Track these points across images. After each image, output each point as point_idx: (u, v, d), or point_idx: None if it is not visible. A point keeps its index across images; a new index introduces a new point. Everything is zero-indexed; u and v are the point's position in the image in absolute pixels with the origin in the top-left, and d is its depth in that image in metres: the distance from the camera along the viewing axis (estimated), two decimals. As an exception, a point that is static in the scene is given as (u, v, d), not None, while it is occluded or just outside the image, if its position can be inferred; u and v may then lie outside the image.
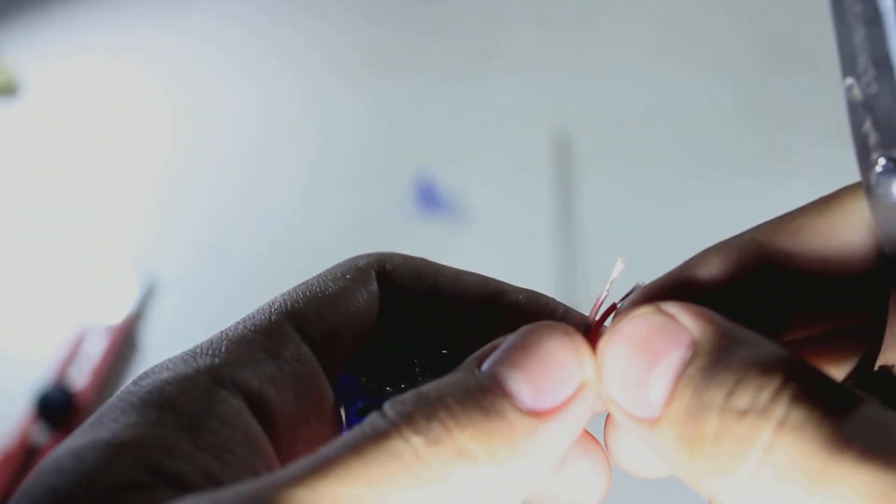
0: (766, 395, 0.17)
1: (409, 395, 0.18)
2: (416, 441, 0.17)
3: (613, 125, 1.03)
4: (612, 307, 0.21)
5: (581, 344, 0.20)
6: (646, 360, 0.19)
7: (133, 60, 1.18)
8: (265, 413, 0.19)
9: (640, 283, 0.22)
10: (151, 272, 0.91)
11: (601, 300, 0.21)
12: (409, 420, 0.18)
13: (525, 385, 0.19)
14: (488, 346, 0.20)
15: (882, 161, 0.18)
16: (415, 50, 1.14)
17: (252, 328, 0.20)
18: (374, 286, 0.23)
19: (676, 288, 0.22)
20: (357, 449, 0.17)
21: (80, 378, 0.82)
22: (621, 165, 0.98)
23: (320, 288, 0.22)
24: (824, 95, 1.04)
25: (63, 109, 1.12)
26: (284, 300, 0.21)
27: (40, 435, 0.77)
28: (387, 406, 0.18)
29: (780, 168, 0.95)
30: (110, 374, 0.84)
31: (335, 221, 0.96)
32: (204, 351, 0.20)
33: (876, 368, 0.20)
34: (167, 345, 0.87)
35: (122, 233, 0.98)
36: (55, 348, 0.85)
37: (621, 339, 0.19)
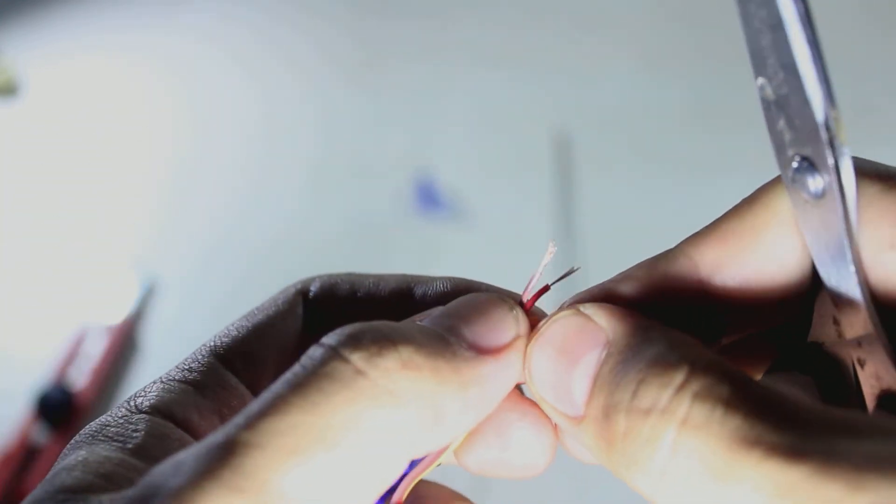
0: (667, 393, 0.17)
1: (348, 325, 0.19)
2: (356, 357, 0.18)
3: (613, 125, 1.03)
4: (545, 288, 0.22)
5: (514, 303, 0.21)
6: (567, 362, 0.19)
7: (133, 60, 1.18)
8: (194, 434, 0.21)
9: (576, 267, 0.23)
10: (151, 272, 0.91)
11: (534, 281, 0.22)
12: (347, 340, 0.18)
13: (465, 328, 0.20)
14: (425, 312, 0.21)
15: (797, 158, 0.19)
16: (414, 50, 1.15)
17: (180, 368, 0.22)
18: (298, 309, 0.25)
19: (602, 299, 0.22)
20: (293, 381, 0.17)
21: (80, 378, 0.82)
22: (621, 165, 0.98)
23: (244, 322, 0.24)
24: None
25: (63, 109, 1.12)
26: (210, 340, 0.24)
27: (40, 435, 0.77)
28: (325, 337, 0.18)
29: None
30: (110, 374, 0.84)
31: (335, 221, 0.96)
32: (136, 395, 0.22)
33: (807, 341, 0.21)
34: (167, 345, 0.87)
35: (122, 233, 0.98)
36: (55, 348, 0.85)
37: (544, 343, 0.20)
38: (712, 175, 0.96)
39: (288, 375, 0.18)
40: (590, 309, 0.20)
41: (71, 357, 0.84)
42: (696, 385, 0.17)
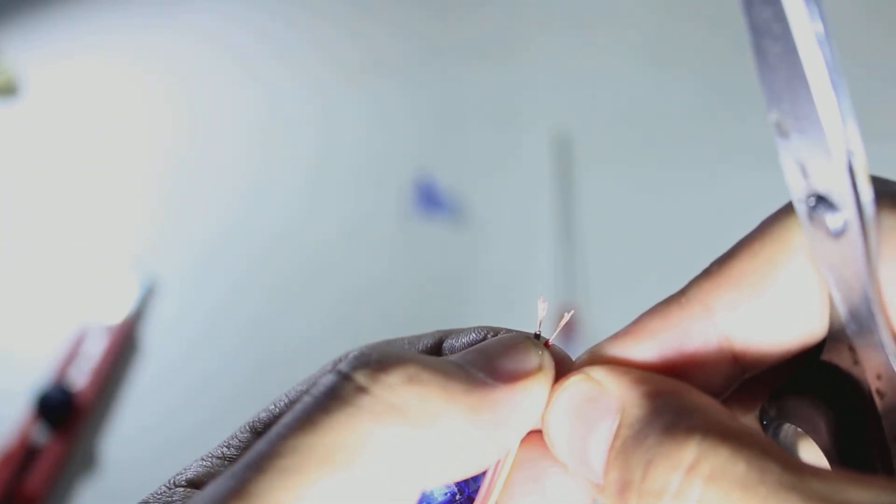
0: (677, 476, 0.16)
1: (358, 349, 0.19)
2: (359, 375, 0.17)
3: (613, 125, 1.03)
4: (546, 343, 0.22)
5: (537, 341, 0.20)
6: (582, 430, 0.19)
7: (133, 60, 1.18)
8: None
9: (570, 312, 0.22)
10: (151, 272, 0.91)
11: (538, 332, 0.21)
12: (353, 361, 0.18)
13: (484, 359, 0.19)
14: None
15: (815, 194, 0.18)
16: (415, 50, 1.15)
17: (220, 445, 0.23)
18: None
19: (614, 357, 0.21)
20: (298, 408, 0.17)
21: (80, 378, 0.82)
22: (621, 165, 0.98)
23: (283, 398, 0.24)
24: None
25: (63, 109, 1.12)
26: (251, 417, 0.24)
27: (40, 435, 0.77)
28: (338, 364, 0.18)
29: (780, 167, 0.94)
30: (110, 374, 0.84)
31: (335, 221, 0.96)
32: (177, 474, 0.22)
33: (821, 359, 0.20)
34: (167, 345, 0.87)
35: (122, 233, 0.98)
36: (55, 348, 0.85)
37: (558, 409, 0.20)
38: (713, 175, 0.96)
39: (296, 405, 0.18)
40: (600, 374, 0.19)
41: (71, 357, 0.84)
42: (707, 466, 0.16)
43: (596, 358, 0.21)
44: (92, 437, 0.80)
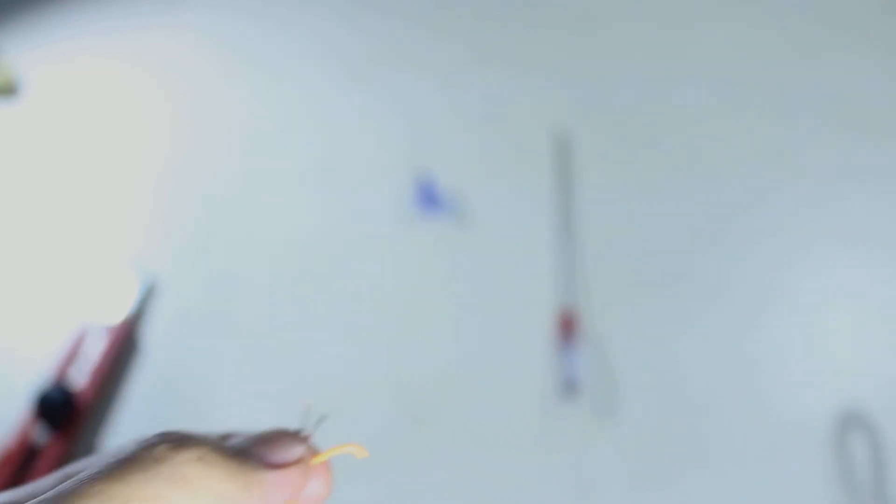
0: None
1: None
2: (159, 448, 0.22)
3: (613, 125, 1.03)
4: (307, 436, 0.28)
5: (301, 437, 0.27)
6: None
7: (133, 60, 1.18)
8: None
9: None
10: (151, 272, 0.91)
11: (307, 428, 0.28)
12: (155, 437, 0.23)
13: (260, 446, 0.26)
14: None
15: None
16: (415, 49, 1.15)
17: (30, 483, 0.26)
18: None
19: None
20: (104, 460, 0.21)
21: (80, 378, 0.82)
22: (621, 165, 0.98)
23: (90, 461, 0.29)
24: (823, 94, 1.04)
25: (63, 109, 1.12)
26: (63, 468, 0.28)
27: (40, 435, 0.77)
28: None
29: (779, 168, 0.95)
30: (110, 374, 0.84)
31: (335, 221, 0.96)
32: None
33: None
34: (167, 345, 0.87)
35: (122, 232, 0.98)
36: (55, 348, 0.85)
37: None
38: (712, 177, 0.96)
39: (101, 460, 0.22)
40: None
41: (71, 357, 0.84)
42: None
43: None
44: (92, 437, 0.80)
